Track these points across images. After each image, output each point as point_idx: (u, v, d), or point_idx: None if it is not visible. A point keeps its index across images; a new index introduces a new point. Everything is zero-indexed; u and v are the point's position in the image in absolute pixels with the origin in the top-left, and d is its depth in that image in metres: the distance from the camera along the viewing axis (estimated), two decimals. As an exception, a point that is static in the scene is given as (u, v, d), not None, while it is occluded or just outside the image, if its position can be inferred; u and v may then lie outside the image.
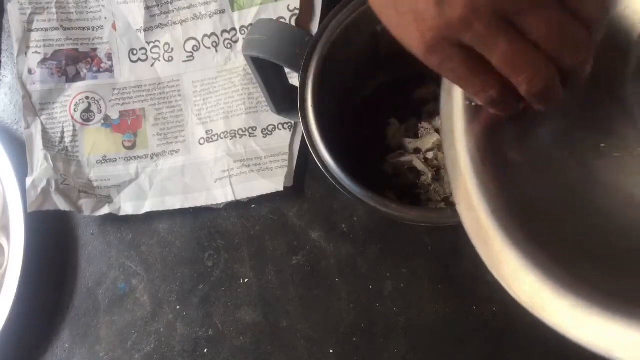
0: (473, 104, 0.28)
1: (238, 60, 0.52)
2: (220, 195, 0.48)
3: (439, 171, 0.44)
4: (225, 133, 0.50)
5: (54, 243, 0.50)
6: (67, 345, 0.47)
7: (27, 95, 0.51)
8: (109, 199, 0.49)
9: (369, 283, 0.45)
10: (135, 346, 0.47)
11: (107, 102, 0.52)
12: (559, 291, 0.22)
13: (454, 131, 0.28)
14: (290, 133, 0.49)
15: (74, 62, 0.52)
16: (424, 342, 0.43)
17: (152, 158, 0.51)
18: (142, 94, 0.52)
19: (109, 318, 0.48)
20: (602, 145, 0.28)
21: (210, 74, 0.52)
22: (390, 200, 0.36)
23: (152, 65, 0.53)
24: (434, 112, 0.45)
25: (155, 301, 0.47)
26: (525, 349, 0.42)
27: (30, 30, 0.52)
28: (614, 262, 0.24)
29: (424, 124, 0.45)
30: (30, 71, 0.51)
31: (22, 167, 0.49)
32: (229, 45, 0.52)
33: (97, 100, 0.52)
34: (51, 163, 0.48)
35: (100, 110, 0.52)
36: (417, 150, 0.45)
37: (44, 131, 0.50)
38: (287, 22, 0.50)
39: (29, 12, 0.52)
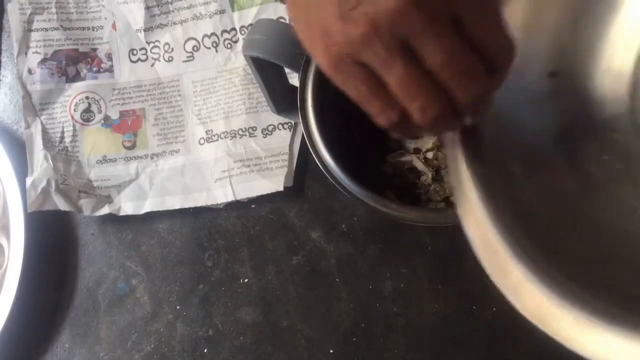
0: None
1: (238, 60, 0.52)
2: (220, 195, 0.48)
3: (439, 171, 0.44)
4: (225, 133, 0.50)
5: (54, 243, 0.50)
6: (67, 345, 0.47)
7: (27, 95, 0.51)
8: (109, 199, 0.49)
9: (369, 283, 0.45)
10: (135, 346, 0.47)
11: (107, 102, 0.52)
12: (564, 305, 0.21)
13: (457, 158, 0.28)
14: (290, 133, 0.49)
15: (74, 62, 0.52)
16: (424, 342, 0.43)
17: (152, 158, 0.51)
18: (142, 94, 0.52)
19: (109, 318, 0.48)
20: (605, 157, 0.28)
21: (210, 74, 0.52)
22: (390, 200, 0.36)
23: (152, 65, 0.53)
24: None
25: (155, 301, 0.47)
26: (525, 349, 0.42)
27: (30, 30, 0.52)
28: (620, 274, 0.24)
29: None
30: (30, 71, 0.51)
31: (22, 167, 0.49)
32: (229, 45, 0.52)
33: (97, 100, 0.52)
34: (51, 163, 0.48)
35: (100, 110, 0.52)
36: (417, 150, 0.45)
37: (44, 131, 0.50)
38: (287, 22, 0.50)
39: (29, 12, 0.52)
